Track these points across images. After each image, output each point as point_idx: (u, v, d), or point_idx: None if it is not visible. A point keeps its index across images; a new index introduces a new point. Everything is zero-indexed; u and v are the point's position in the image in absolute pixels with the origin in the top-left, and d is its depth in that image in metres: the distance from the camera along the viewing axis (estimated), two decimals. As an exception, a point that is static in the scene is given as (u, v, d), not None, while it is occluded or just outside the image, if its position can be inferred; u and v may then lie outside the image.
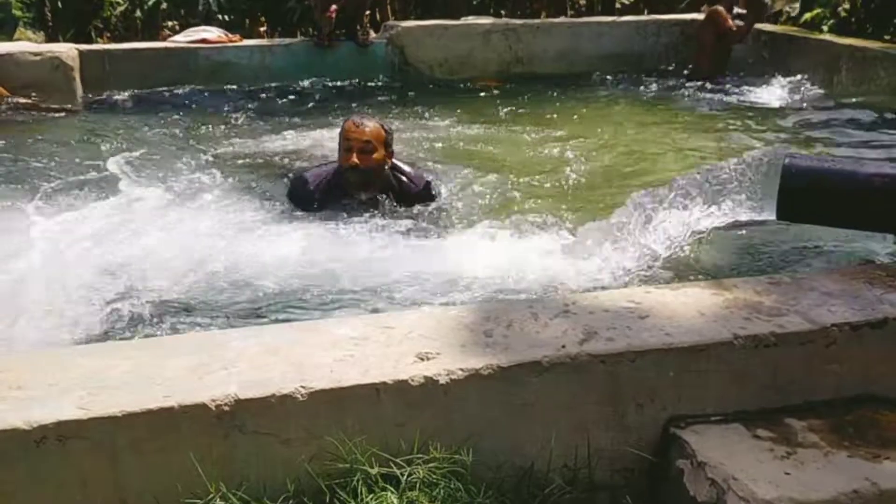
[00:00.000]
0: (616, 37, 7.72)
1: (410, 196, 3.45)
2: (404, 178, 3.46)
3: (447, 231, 3.06)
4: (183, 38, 6.98)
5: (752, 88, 6.55)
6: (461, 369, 1.68)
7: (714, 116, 5.56)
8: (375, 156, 3.29)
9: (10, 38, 13.09)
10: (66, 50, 6.32)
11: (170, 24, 10.59)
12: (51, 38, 11.97)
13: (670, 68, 7.51)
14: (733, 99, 6.31)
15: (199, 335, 2.03)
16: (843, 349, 1.87)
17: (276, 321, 2.30)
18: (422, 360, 1.71)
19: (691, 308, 1.94)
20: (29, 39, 13.21)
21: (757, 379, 1.84)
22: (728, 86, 6.69)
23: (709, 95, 6.46)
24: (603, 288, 2.41)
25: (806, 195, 2.43)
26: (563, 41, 7.57)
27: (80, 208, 3.51)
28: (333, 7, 6.66)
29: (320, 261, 2.79)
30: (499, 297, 2.40)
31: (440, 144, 4.82)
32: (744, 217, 2.63)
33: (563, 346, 1.75)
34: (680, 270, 2.58)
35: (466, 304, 2.25)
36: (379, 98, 6.52)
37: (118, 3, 11.36)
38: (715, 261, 2.77)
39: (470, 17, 8.08)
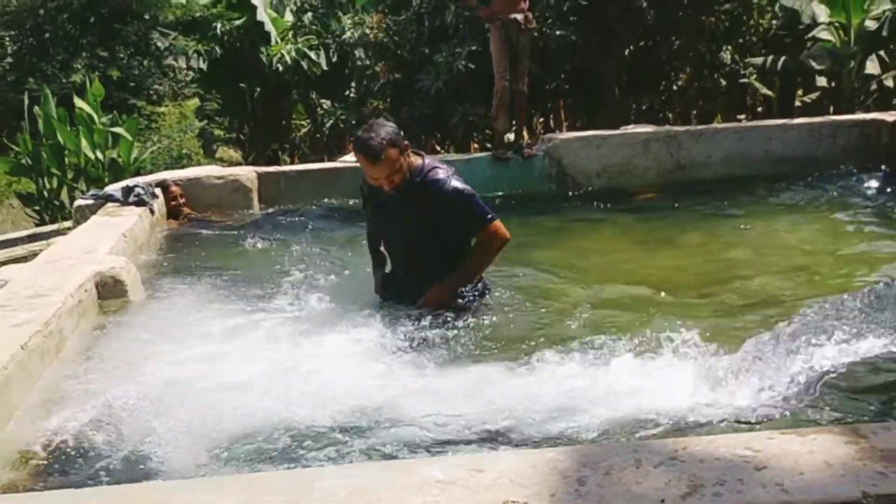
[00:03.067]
0: (786, 140, 7.39)
1: (415, 187, 3.52)
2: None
3: (558, 351, 2.94)
4: (351, 159, 7.39)
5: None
6: (547, 521, 1.58)
7: (880, 229, 5.08)
8: (400, 172, 3.42)
9: (212, 156, 14.56)
10: (246, 173, 6.87)
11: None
12: (246, 156, 13.20)
13: (849, 172, 7.03)
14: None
15: (289, 474, 2.05)
16: None
17: (374, 451, 2.28)
18: (508, 508, 1.63)
19: (818, 459, 1.74)
20: (229, 157, 14.61)
21: (894, 547, 1.60)
22: None
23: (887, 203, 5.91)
24: (722, 430, 2.22)
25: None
26: (728, 146, 7.35)
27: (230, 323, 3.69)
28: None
29: (426, 387, 2.74)
30: (606, 435, 2.26)
31: (583, 261, 4.74)
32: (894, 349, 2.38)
33: (663, 501, 1.62)
34: (817, 412, 2.33)
35: (566, 445, 2.14)
36: (533, 210, 6.51)
37: (303, 126, 12.39)
38: (865, 401, 2.48)
39: (629, 127, 8.04)
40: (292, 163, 11.88)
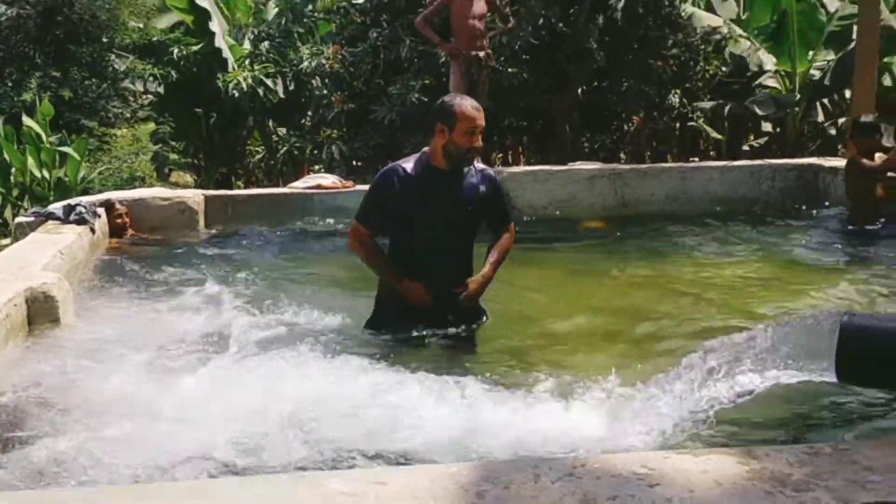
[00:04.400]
0: (727, 182, 7.61)
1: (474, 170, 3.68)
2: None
3: (484, 375, 2.99)
4: (300, 185, 7.44)
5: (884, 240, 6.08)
6: (441, 534, 1.61)
7: (818, 267, 5.25)
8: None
9: (166, 180, 14.45)
10: (193, 195, 6.87)
11: (317, 167, 11.26)
12: (200, 181, 13.13)
13: (787, 214, 7.25)
14: (855, 250, 5.91)
15: (188, 484, 2.05)
16: (878, 534, 1.67)
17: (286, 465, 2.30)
18: (404, 520, 1.66)
19: (710, 478, 1.79)
20: (184, 182, 14.52)
21: (776, 563, 1.66)
22: (879, 233, 6.08)
23: (830, 243, 6.07)
24: (626, 450, 2.28)
25: (864, 357, 2.26)
26: (671, 186, 7.54)
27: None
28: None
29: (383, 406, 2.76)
30: (517, 453, 2.30)
31: (519, 291, 4.81)
32: (805, 378, 2.46)
33: (555, 514, 1.66)
34: (719, 436, 2.41)
35: (471, 461, 2.17)
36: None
37: (258, 152, 12.40)
38: (762, 426, 2.56)
39: (577, 163, 8.20)
40: (246, 188, 11.86)
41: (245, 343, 3.58)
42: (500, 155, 12.43)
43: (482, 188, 3.65)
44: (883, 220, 6.16)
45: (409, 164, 3.61)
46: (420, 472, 1.91)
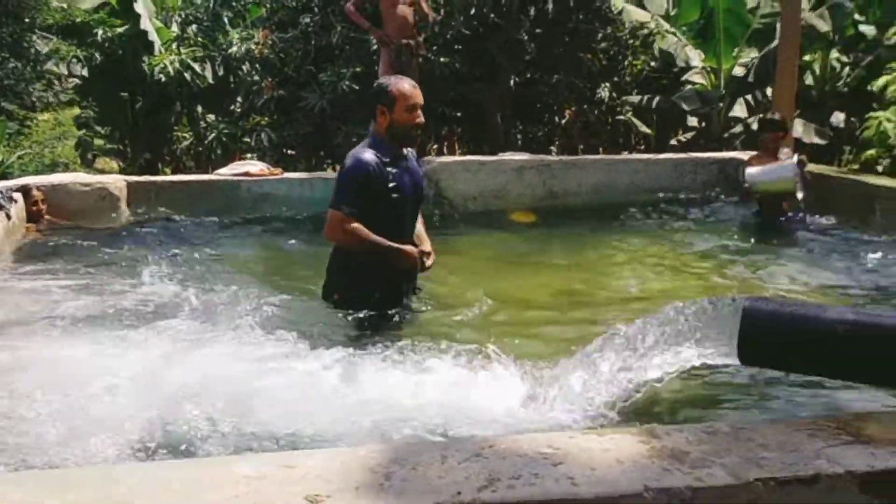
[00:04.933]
0: (652, 174, 7.77)
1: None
2: None
3: (405, 359, 3.02)
4: (227, 171, 7.32)
5: (792, 228, 6.42)
6: (344, 513, 1.62)
7: (726, 255, 5.48)
8: None
9: (90, 166, 14.05)
10: (114, 181, 6.71)
11: (249, 155, 11.07)
12: (125, 167, 12.81)
13: (707, 204, 7.47)
14: (758, 238, 6.18)
15: (93, 470, 2.02)
16: (768, 507, 1.75)
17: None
18: (311, 501, 1.66)
19: (611, 456, 1.85)
20: (110, 168, 14.12)
21: (672, 536, 1.72)
22: (788, 223, 6.49)
23: (739, 233, 6.36)
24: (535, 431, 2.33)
25: (765, 341, 2.34)
26: (598, 177, 7.66)
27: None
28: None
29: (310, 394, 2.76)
30: (432, 435, 2.33)
31: (447, 278, 4.86)
32: (709, 361, 2.54)
33: (459, 493, 1.68)
34: (627, 416, 2.48)
35: (382, 443, 2.19)
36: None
37: (185, 138, 12.14)
38: (669, 407, 2.65)
39: (507, 154, 8.27)
40: (174, 175, 11.62)
41: (161, 327, 3.52)
42: (435, 145, 12.45)
43: (421, 167, 3.98)
44: (790, 214, 6.48)
45: (369, 151, 3.72)
46: (329, 454, 1.91)
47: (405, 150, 3.82)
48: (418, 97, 3.66)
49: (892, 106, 9.07)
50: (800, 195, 6.15)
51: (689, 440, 1.93)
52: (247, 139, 10.15)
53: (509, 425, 2.41)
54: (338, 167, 9.63)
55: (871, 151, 9.32)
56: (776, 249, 5.85)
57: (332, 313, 3.79)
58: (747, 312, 2.36)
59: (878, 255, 5.37)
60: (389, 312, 3.75)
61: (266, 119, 9.61)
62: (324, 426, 2.41)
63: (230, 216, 6.82)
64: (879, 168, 9.37)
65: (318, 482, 1.74)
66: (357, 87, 8.42)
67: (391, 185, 3.70)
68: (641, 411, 2.51)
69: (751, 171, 6.33)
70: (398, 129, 3.67)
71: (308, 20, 9.20)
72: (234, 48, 10.25)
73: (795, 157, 6.36)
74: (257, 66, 9.73)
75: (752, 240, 6.13)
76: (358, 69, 8.25)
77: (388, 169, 3.70)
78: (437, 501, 1.66)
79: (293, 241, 5.99)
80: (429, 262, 3.89)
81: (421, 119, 3.68)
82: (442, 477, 1.76)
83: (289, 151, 9.97)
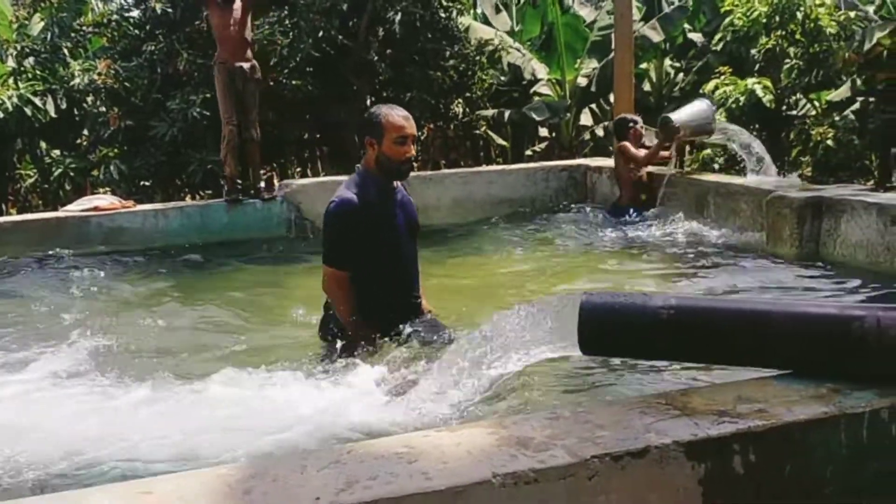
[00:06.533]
0: (506, 184, 8.07)
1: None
2: None
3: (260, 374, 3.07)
4: (75, 207, 7.07)
5: (636, 224, 6.86)
6: (205, 531, 1.66)
7: (579, 254, 5.81)
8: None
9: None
10: (-49, 225, 6.35)
11: (101, 190, 10.64)
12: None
13: (561, 209, 7.83)
14: (611, 235, 6.58)
15: None
16: (606, 480, 1.90)
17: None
18: (169, 524, 1.69)
19: (463, 449, 1.96)
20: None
21: (522, 517, 1.85)
22: (635, 219, 6.93)
23: (592, 234, 6.74)
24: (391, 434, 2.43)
25: (601, 330, 2.52)
26: (456, 190, 7.88)
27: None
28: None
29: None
30: (298, 447, 2.39)
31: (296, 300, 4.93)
32: (557, 354, 2.71)
33: (318, 499, 1.75)
34: (484, 411, 2.62)
35: (240, 461, 2.23)
36: (264, 255, 6.63)
37: (29, 176, 11.54)
38: (521, 399, 2.82)
39: (364, 173, 8.36)
40: (20, 214, 11.02)
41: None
42: (299, 169, 12.39)
43: (411, 210, 3.69)
44: (633, 212, 6.98)
45: (351, 192, 3.46)
46: (187, 476, 1.93)
47: (395, 184, 3.57)
48: (410, 128, 3.42)
49: (720, 108, 9.80)
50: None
51: (534, 427, 2.07)
52: (96, 173, 9.79)
53: (373, 430, 2.49)
54: (197, 196, 9.47)
55: (707, 151, 10.05)
56: (625, 244, 6.24)
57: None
58: (584, 306, 2.54)
59: (715, 244, 5.88)
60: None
61: (115, 151, 9.30)
62: (181, 450, 2.42)
63: (77, 253, 6.59)
64: (716, 166, 10.12)
65: (179, 503, 1.76)
66: (208, 113, 8.30)
67: (380, 222, 3.48)
68: (495, 405, 2.66)
69: (675, 115, 6.94)
70: (387, 162, 3.41)
71: (152, 48, 9.00)
72: (77, 80, 9.87)
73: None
74: (102, 96, 9.41)
75: (603, 237, 6.51)
76: (208, 95, 8.12)
77: (377, 206, 3.46)
78: (296, 509, 1.72)
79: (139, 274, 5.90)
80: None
81: (411, 152, 3.44)
82: (301, 486, 1.82)
83: (143, 183, 9.69)
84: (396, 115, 3.43)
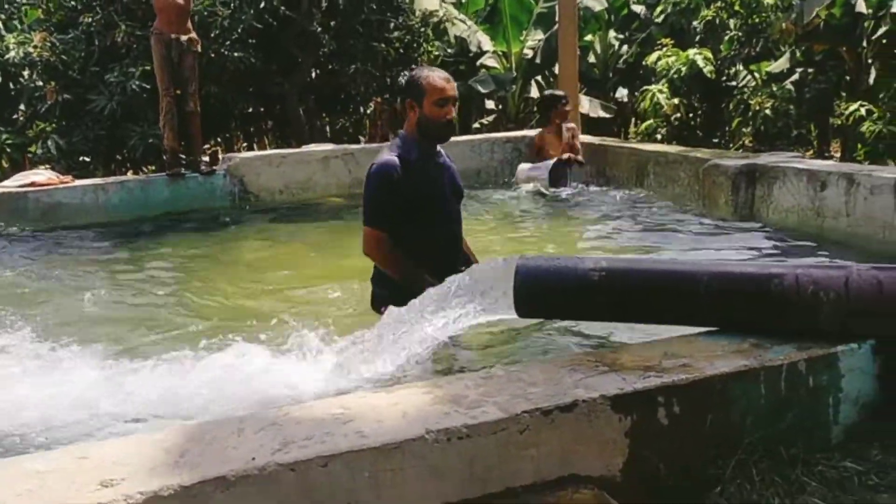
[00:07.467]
0: (453, 155, 8.02)
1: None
2: None
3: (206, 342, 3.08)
4: (11, 183, 6.91)
5: (574, 195, 7.00)
6: (140, 492, 1.67)
7: (517, 222, 5.91)
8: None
9: None
10: None
11: (41, 167, 10.38)
12: None
13: (505, 180, 7.90)
14: (552, 207, 6.69)
15: None
16: (536, 434, 1.96)
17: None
18: (105, 486, 1.70)
19: (398, 409, 2.00)
20: None
21: (455, 471, 1.90)
22: (563, 192, 7.08)
23: (531, 202, 6.86)
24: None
25: (536, 293, 2.58)
26: (401, 162, 7.88)
27: None
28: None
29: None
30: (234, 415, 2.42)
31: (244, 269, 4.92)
32: (495, 317, 2.77)
33: (254, 459, 1.78)
34: (424, 373, 2.67)
35: (180, 425, 2.25)
36: (209, 226, 6.58)
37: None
38: (459, 360, 2.88)
39: (311, 145, 8.32)
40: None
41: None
42: (245, 144, 12.25)
43: (452, 170, 3.58)
44: (575, 183, 7.12)
45: (393, 154, 3.34)
46: (125, 441, 1.95)
47: (438, 148, 3.47)
48: (451, 90, 3.29)
49: (662, 79, 9.94)
50: (548, 191, 7.05)
51: (468, 385, 2.13)
52: (34, 148, 9.56)
53: (316, 395, 2.52)
54: (140, 172, 9.31)
55: (650, 122, 10.21)
56: (565, 213, 6.36)
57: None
58: (519, 270, 2.60)
59: (654, 211, 6.03)
60: None
61: (52, 125, 9.09)
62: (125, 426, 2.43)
63: (15, 228, 6.47)
64: (658, 137, 10.28)
65: (115, 468, 1.78)
66: (147, 86, 8.14)
67: (423, 184, 3.36)
68: (434, 367, 2.71)
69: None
70: (428, 124, 3.30)
71: (90, 20, 8.78)
72: (12, 53, 9.60)
73: (565, 156, 7.22)
74: (38, 70, 9.17)
75: (542, 207, 6.63)
76: (147, 67, 7.95)
77: (419, 168, 3.35)
78: (232, 468, 1.75)
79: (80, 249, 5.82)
80: None
81: (452, 114, 3.32)
82: (237, 448, 1.85)
83: (83, 158, 9.49)
84: (437, 76, 3.32)
